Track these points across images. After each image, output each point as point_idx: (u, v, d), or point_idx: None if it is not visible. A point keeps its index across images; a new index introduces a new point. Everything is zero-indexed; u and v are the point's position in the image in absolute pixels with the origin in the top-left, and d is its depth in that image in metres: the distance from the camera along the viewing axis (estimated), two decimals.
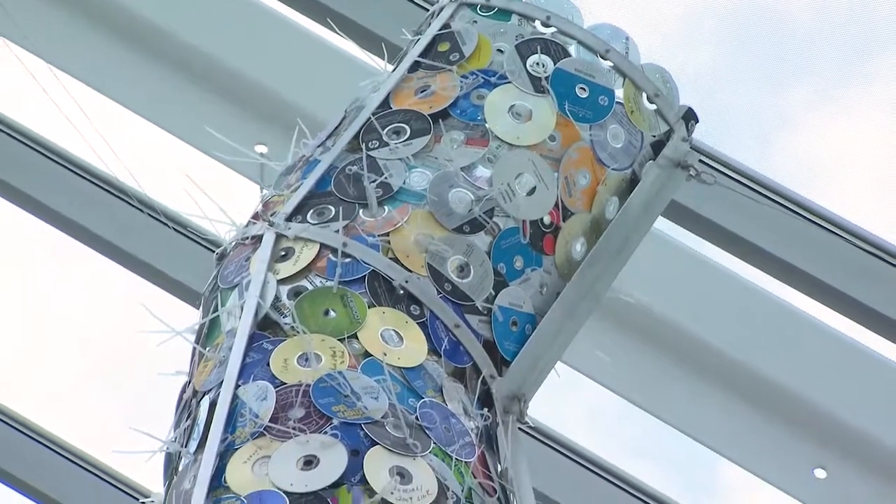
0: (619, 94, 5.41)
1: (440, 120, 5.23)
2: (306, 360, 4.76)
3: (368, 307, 4.89)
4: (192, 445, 4.77)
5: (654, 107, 5.48)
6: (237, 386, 4.75)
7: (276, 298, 4.93)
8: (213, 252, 5.33)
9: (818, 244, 6.28)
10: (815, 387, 6.68)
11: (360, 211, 5.07)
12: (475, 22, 5.39)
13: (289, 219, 5.09)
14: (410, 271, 4.98)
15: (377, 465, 4.59)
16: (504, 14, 5.40)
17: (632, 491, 7.22)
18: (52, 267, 8.37)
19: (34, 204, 7.76)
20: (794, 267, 6.34)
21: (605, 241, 5.28)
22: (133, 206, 7.43)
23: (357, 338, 4.85)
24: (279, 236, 5.06)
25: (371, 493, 4.53)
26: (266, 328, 4.89)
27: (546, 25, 5.39)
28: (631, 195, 5.38)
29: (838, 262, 6.33)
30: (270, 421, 4.66)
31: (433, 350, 4.91)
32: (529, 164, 5.20)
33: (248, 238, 5.15)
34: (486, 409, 4.96)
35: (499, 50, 5.34)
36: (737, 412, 6.80)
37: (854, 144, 6.86)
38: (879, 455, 6.71)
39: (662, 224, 6.14)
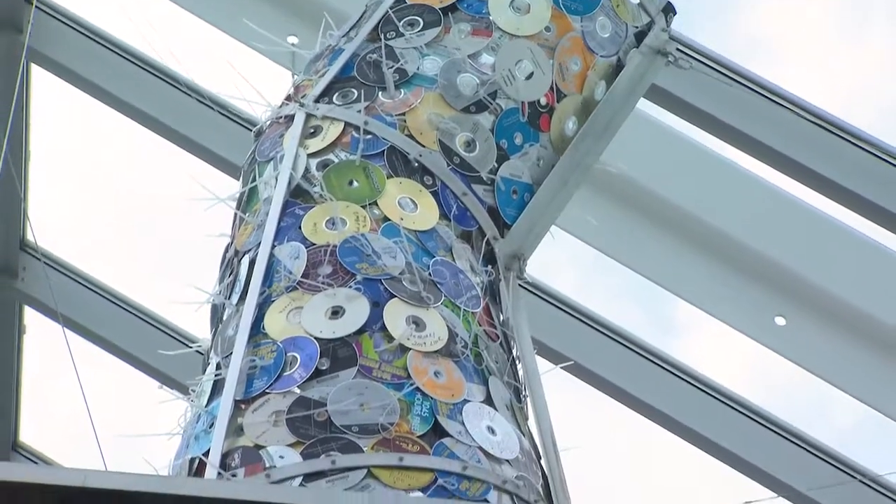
0: None
1: (449, 13, 5.21)
2: (333, 223, 4.76)
3: (387, 178, 4.88)
4: (235, 298, 4.79)
5: (637, 0, 5.48)
6: (273, 246, 4.75)
7: (307, 170, 4.92)
8: (251, 130, 5.32)
9: (768, 115, 6.27)
10: (775, 245, 6.67)
11: (380, 93, 5.06)
12: None
13: (317, 100, 5.08)
14: (424, 146, 4.96)
15: (395, 314, 4.59)
16: None
17: (610, 334, 7.25)
18: (118, 145, 8.36)
19: (100, 91, 7.73)
20: (752, 138, 6.33)
21: (594, 120, 5.27)
22: (182, 90, 7.39)
23: (377, 204, 4.84)
24: (309, 116, 5.05)
25: (390, 338, 4.54)
26: (298, 196, 4.88)
27: None
28: (616, 79, 5.37)
29: (794, 135, 6.33)
30: (302, 277, 4.66)
31: (444, 215, 4.90)
32: (528, 52, 5.18)
33: (281, 117, 5.14)
34: (490, 267, 4.95)
35: None
36: (707, 267, 6.79)
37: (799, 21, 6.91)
38: (835, 307, 6.71)
39: (644, 104, 6.11)
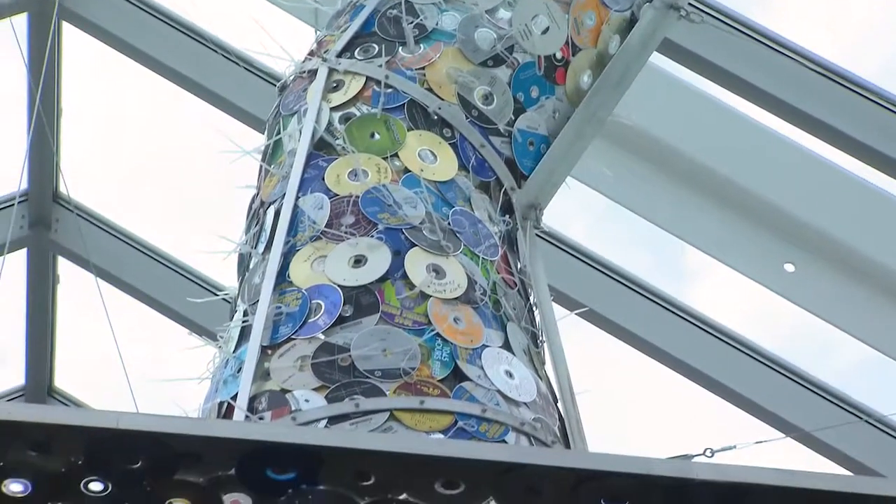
0: None
1: None
2: (355, 175, 4.74)
3: (407, 130, 4.86)
4: (261, 247, 4.78)
5: None
6: (297, 197, 4.73)
7: (329, 123, 4.90)
8: (275, 85, 5.31)
9: (776, 67, 6.25)
10: (784, 194, 6.64)
11: (400, 48, 5.03)
12: None
13: (339, 55, 5.05)
14: (443, 99, 4.94)
15: (416, 262, 4.58)
16: None
17: (621, 280, 7.24)
18: (147, 101, 8.36)
19: (129, 47, 7.71)
20: (761, 89, 6.31)
21: (608, 73, 5.23)
22: (209, 47, 7.38)
23: (398, 156, 4.82)
24: (331, 70, 5.02)
25: (411, 286, 4.53)
26: (321, 148, 4.86)
27: None
28: (630, 33, 5.32)
29: (803, 87, 6.30)
30: (326, 226, 4.65)
31: (462, 166, 4.88)
32: (543, 7, 5.14)
33: (304, 72, 5.12)
34: (507, 216, 4.94)
35: None
36: (717, 216, 6.77)
37: None
38: (842, 253, 6.68)
39: (656, 58, 6.08)
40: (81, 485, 3.35)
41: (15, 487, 3.33)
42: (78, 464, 3.33)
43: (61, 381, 9.19)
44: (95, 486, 3.37)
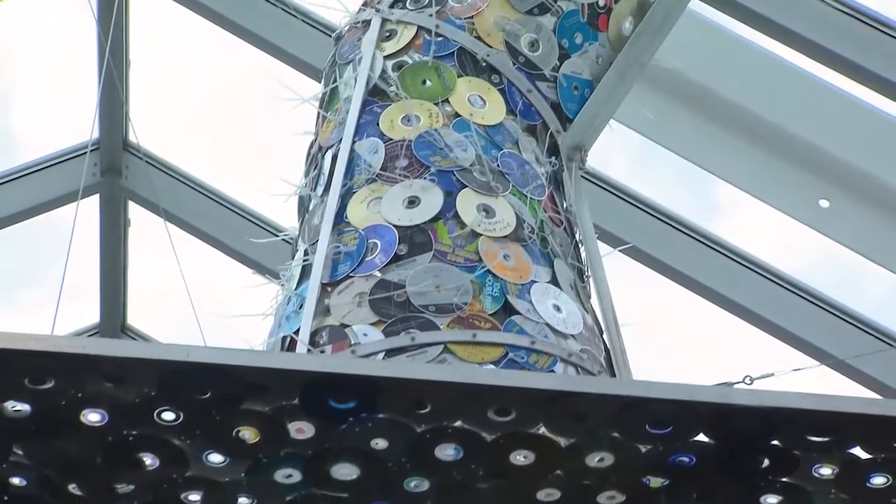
0: None
1: None
2: (408, 120, 4.73)
3: (457, 77, 4.83)
4: (319, 190, 4.77)
5: None
6: (354, 142, 4.72)
7: (383, 71, 4.87)
8: (332, 35, 5.28)
9: (809, 9, 6.19)
10: (820, 133, 6.57)
11: None
12: None
13: (392, 6, 5.02)
14: (491, 47, 4.90)
15: (467, 203, 4.56)
16: None
17: (663, 218, 7.21)
18: (212, 53, 8.37)
19: (193, 1, 7.72)
20: (794, 32, 6.25)
21: (649, 19, 5.17)
22: (270, 1, 7.36)
23: (449, 102, 4.80)
24: (384, 20, 4.99)
25: (462, 225, 4.52)
26: (375, 95, 4.84)
27: None
28: None
29: (836, 29, 6.24)
30: (381, 169, 4.64)
31: (510, 111, 4.85)
32: None
33: (359, 23, 5.09)
34: (553, 158, 4.91)
35: None
36: (755, 156, 6.72)
37: None
38: (876, 189, 6.62)
39: (695, 4, 6.02)
40: (155, 414, 3.37)
41: (93, 417, 3.35)
42: (151, 395, 3.34)
43: (133, 318, 9.23)
44: (167, 416, 3.38)
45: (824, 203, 6.62)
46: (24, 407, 3.31)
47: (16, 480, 3.44)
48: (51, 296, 8.48)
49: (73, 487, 3.48)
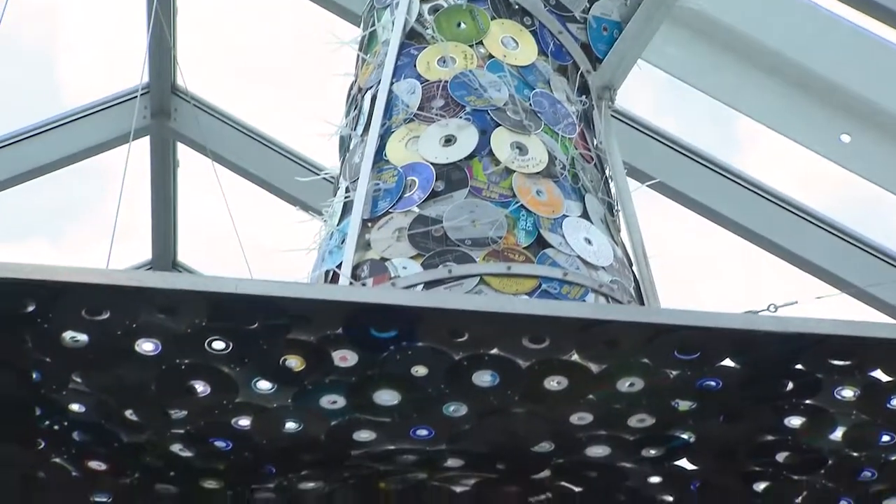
0: None
1: None
2: (444, 62, 4.70)
3: (491, 19, 4.80)
4: (359, 130, 4.76)
5: None
6: (392, 83, 4.70)
7: (419, 15, 4.84)
8: None
9: None
10: (842, 69, 6.51)
11: None
12: None
13: None
14: None
15: (501, 141, 4.54)
16: None
17: (684, 152, 7.17)
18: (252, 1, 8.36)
19: None
20: None
21: None
22: None
23: (482, 44, 4.76)
24: None
25: (497, 162, 4.50)
26: (412, 38, 4.81)
27: None
28: None
29: None
30: (418, 109, 4.62)
31: (542, 52, 4.81)
32: None
33: None
34: (584, 97, 4.87)
35: None
36: (777, 91, 6.66)
37: None
38: None
39: None
40: (205, 344, 3.37)
41: (147, 346, 3.37)
42: (201, 325, 3.34)
43: (183, 255, 9.27)
44: (217, 345, 3.39)
45: (845, 138, 6.56)
46: (81, 337, 3.32)
47: (75, 406, 3.46)
48: (97, 235, 8.55)
49: (128, 413, 3.50)
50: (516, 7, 4.83)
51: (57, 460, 3.60)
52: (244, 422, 3.56)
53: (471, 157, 4.51)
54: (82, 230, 9.62)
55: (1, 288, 3.19)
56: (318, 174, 5.44)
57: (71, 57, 8.94)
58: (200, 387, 3.47)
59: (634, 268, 4.68)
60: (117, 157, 8.24)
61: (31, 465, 3.60)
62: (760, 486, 3.76)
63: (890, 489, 3.69)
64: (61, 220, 9.42)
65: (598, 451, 3.70)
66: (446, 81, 4.65)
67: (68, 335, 3.31)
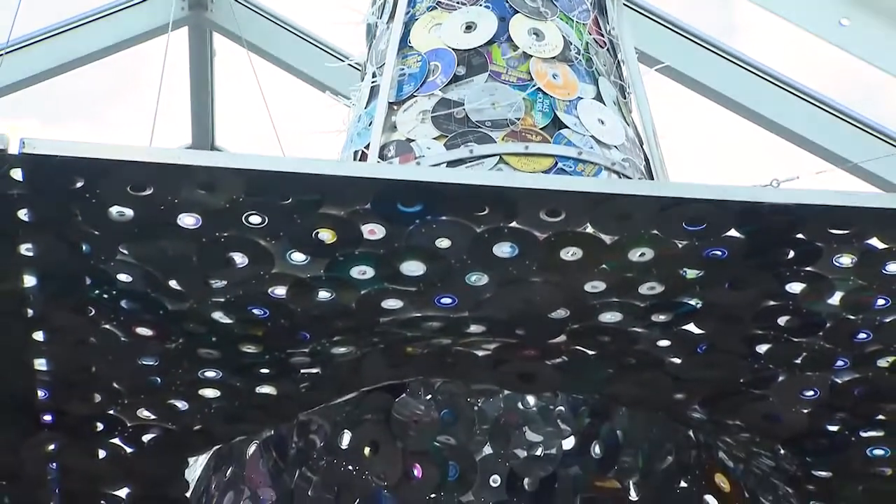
0: None
1: None
2: None
3: None
4: (385, 18, 4.72)
5: None
6: None
7: None
8: None
9: None
10: None
11: None
12: None
13: None
14: None
15: (519, 27, 4.51)
16: None
17: (691, 38, 7.11)
18: None
19: None
20: None
21: None
22: None
23: None
24: None
25: (515, 47, 4.48)
26: None
27: None
28: None
29: None
30: None
31: None
32: None
33: None
34: None
35: None
36: None
37: None
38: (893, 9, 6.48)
39: None
40: (243, 218, 3.37)
41: (188, 220, 3.36)
42: (239, 201, 3.33)
43: (221, 139, 9.25)
44: (254, 220, 3.38)
45: (845, 21, 6.46)
46: (127, 211, 3.32)
47: (123, 277, 3.47)
48: (136, 120, 8.51)
49: (172, 283, 3.51)
50: None
51: (107, 327, 3.62)
52: (280, 291, 3.56)
53: (490, 42, 4.48)
54: (122, 115, 9.60)
55: (53, 164, 3.18)
56: (345, 61, 5.40)
57: None
58: (239, 258, 3.46)
59: (645, 147, 4.65)
60: (154, 48, 8.21)
61: (84, 332, 3.62)
62: (763, 349, 3.76)
63: (884, 349, 3.70)
64: (101, 106, 9.39)
65: (610, 317, 3.70)
66: None
67: (115, 210, 3.31)
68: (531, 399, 4.99)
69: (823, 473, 4.14)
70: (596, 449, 4.92)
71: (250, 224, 3.38)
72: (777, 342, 3.72)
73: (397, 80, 4.48)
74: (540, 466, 4.93)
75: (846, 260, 3.49)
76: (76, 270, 3.46)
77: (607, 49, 4.71)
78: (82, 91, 8.91)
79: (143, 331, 3.64)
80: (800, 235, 3.44)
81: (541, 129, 4.34)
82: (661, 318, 3.69)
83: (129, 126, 9.11)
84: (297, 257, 3.50)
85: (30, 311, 3.54)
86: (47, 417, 3.86)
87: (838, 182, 6.59)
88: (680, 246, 3.48)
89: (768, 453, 4.19)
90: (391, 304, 3.63)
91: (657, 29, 7.12)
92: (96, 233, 3.36)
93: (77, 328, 3.60)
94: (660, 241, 3.46)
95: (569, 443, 4.97)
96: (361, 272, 3.54)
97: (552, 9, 4.58)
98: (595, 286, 3.58)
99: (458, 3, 4.55)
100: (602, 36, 4.72)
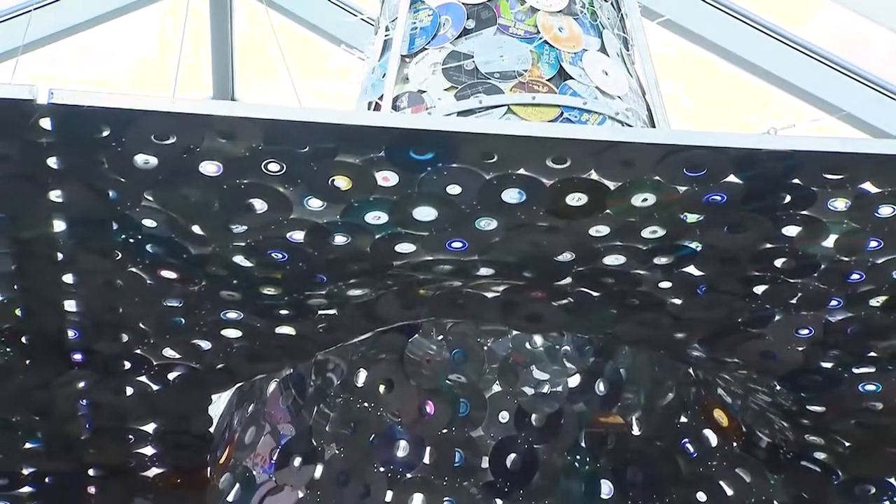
0: None
1: None
2: None
3: None
4: None
5: None
6: None
7: None
8: None
9: None
10: None
11: None
12: None
13: None
14: None
15: None
16: None
17: None
18: None
19: None
20: None
21: None
22: None
23: None
24: None
25: (522, 2, 4.45)
26: None
27: None
28: None
29: None
30: None
31: None
32: None
33: None
34: None
35: None
36: None
37: None
38: None
39: None
40: (262, 166, 3.35)
41: (210, 168, 3.35)
42: (258, 149, 3.32)
43: (240, 91, 9.22)
44: (273, 167, 3.36)
45: None
46: (151, 159, 3.31)
47: (148, 222, 3.46)
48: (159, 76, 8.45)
49: (195, 228, 3.50)
50: None
51: (133, 270, 3.62)
52: (297, 236, 3.56)
53: None
54: (144, 71, 9.55)
55: (80, 114, 3.17)
56: (358, 16, 5.37)
57: None
58: (258, 204, 3.45)
59: (647, 96, 4.62)
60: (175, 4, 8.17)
61: (111, 274, 3.62)
62: (760, 289, 3.75)
63: (876, 289, 3.69)
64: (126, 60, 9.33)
65: (613, 259, 3.69)
66: None
67: (140, 158, 3.30)
68: (538, 339, 4.99)
69: (818, 408, 4.14)
70: (600, 386, 4.93)
71: (269, 171, 3.37)
72: (773, 283, 3.71)
73: (409, 33, 4.45)
74: (546, 403, 4.94)
75: (840, 204, 3.47)
76: (103, 216, 3.46)
77: (611, 3, 4.68)
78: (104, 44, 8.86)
79: (168, 274, 3.64)
80: (796, 181, 3.42)
81: (547, 80, 4.32)
82: (663, 260, 3.68)
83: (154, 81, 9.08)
84: (314, 203, 3.49)
85: (59, 255, 3.55)
86: (77, 356, 3.87)
87: (832, 133, 6.56)
88: (680, 191, 3.46)
89: (765, 389, 4.19)
90: (404, 248, 3.63)
91: None
92: (122, 180, 3.35)
93: (105, 270, 3.60)
94: (661, 186, 3.44)
95: (574, 380, 4.97)
96: (376, 217, 3.53)
97: None
98: (598, 230, 3.57)
99: None
100: None
